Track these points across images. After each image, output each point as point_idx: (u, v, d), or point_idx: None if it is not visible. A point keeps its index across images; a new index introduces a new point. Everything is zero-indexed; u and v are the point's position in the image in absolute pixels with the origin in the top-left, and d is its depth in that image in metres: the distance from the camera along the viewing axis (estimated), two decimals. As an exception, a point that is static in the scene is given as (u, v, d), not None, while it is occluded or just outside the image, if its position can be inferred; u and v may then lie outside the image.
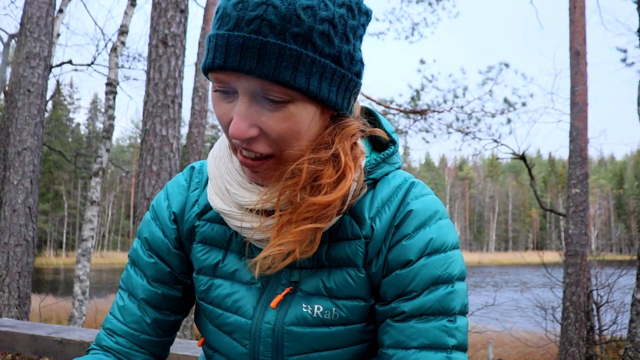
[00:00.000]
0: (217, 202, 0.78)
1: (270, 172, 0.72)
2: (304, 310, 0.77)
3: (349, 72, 0.70)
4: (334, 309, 0.76)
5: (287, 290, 0.79)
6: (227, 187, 0.77)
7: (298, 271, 0.79)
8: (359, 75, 0.73)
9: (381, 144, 0.84)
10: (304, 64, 0.64)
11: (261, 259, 0.72)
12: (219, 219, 0.84)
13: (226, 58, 0.64)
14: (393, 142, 0.83)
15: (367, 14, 0.73)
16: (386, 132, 0.83)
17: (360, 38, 0.73)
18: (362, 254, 0.76)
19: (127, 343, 0.88)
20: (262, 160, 0.71)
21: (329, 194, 0.69)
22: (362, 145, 0.79)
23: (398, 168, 0.83)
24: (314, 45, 0.64)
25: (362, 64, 0.74)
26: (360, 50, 0.74)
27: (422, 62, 11.01)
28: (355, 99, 0.75)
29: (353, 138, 0.75)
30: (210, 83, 0.72)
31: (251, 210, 0.75)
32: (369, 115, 0.85)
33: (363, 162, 0.76)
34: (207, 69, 0.67)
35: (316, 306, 0.77)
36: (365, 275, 0.77)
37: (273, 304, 0.78)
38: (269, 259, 0.72)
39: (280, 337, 0.77)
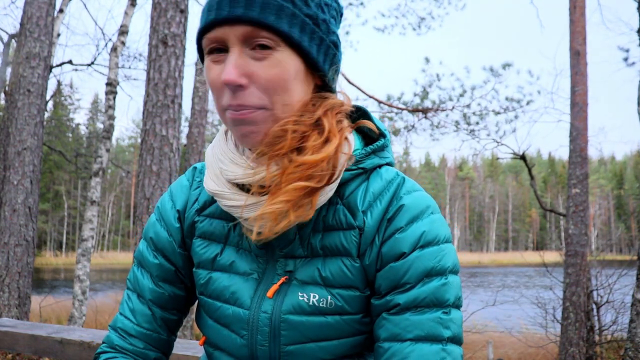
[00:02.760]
0: (210, 184, 0.80)
1: (264, 126, 0.73)
2: (300, 298, 0.78)
3: (326, 37, 0.76)
4: (329, 297, 0.78)
5: (282, 279, 0.80)
6: (220, 167, 0.79)
7: (293, 260, 0.81)
8: (336, 46, 0.78)
9: (372, 140, 0.85)
10: (285, 14, 0.71)
11: (256, 221, 0.73)
12: (217, 214, 0.86)
13: (218, 11, 0.71)
14: (383, 136, 0.84)
15: (337, 1, 0.80)
16: (376, 126, 0.84)
17: (334, 19, 0.79)
18: (356, 244, 0.78)
19: (142, 343, 0.91)
20: (254, 110, 0.72)
21: (315, 154, 0.71)
22: (352, 137, 0.81)
23: (389, 164, 0.84)
24: (293, 2, 0.72)
25: (339, 41, 0.79)
26: (337, 28, 0.80)
27: (427, 60, 10.95)
28: (336, 72, 0.80)
29: (338, 115, 0.78)
30: (203, 67, 0.77)
31: (241, 188, 0.77)
32: (359, 111, 0.86)
33: (350, 136, 0.79)
34: (203, 28, 0.73)
35: (312, 294, 0.78)
36: (360, 264, 0.78)
37: (269, 293, 0.79)
38: (263, 222, 0.72)
39: (277, 326, 0.79)
